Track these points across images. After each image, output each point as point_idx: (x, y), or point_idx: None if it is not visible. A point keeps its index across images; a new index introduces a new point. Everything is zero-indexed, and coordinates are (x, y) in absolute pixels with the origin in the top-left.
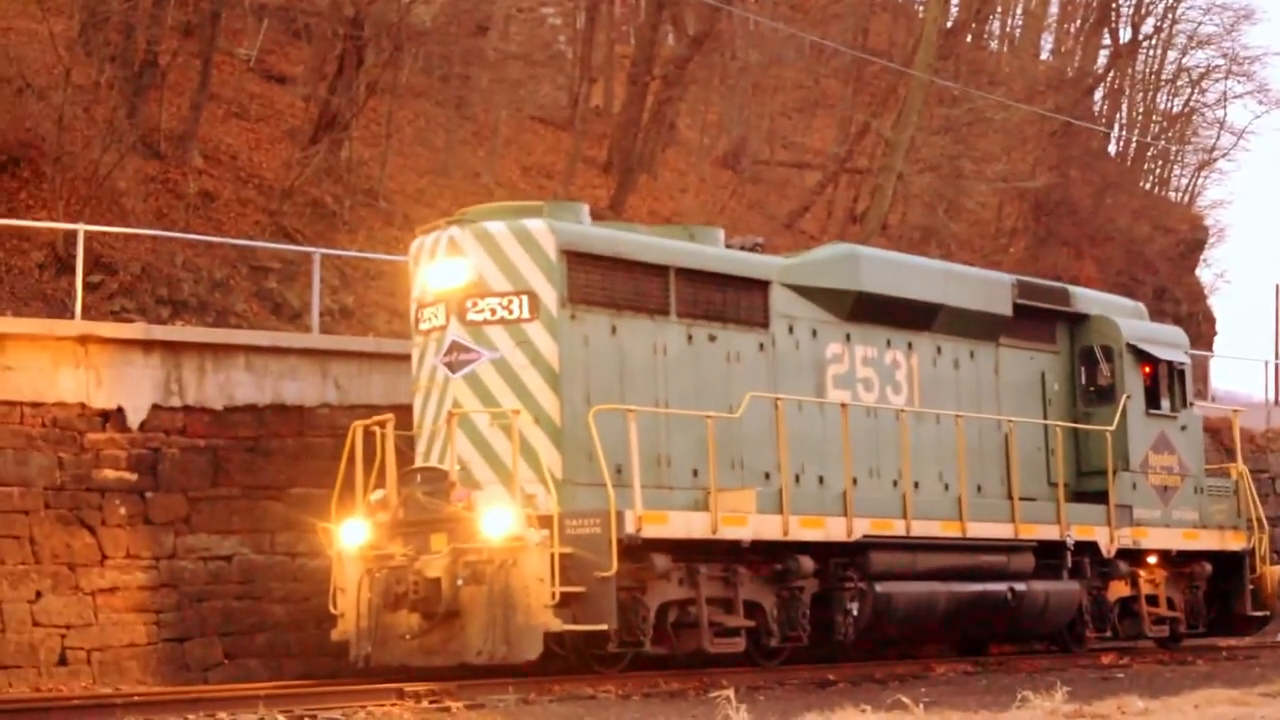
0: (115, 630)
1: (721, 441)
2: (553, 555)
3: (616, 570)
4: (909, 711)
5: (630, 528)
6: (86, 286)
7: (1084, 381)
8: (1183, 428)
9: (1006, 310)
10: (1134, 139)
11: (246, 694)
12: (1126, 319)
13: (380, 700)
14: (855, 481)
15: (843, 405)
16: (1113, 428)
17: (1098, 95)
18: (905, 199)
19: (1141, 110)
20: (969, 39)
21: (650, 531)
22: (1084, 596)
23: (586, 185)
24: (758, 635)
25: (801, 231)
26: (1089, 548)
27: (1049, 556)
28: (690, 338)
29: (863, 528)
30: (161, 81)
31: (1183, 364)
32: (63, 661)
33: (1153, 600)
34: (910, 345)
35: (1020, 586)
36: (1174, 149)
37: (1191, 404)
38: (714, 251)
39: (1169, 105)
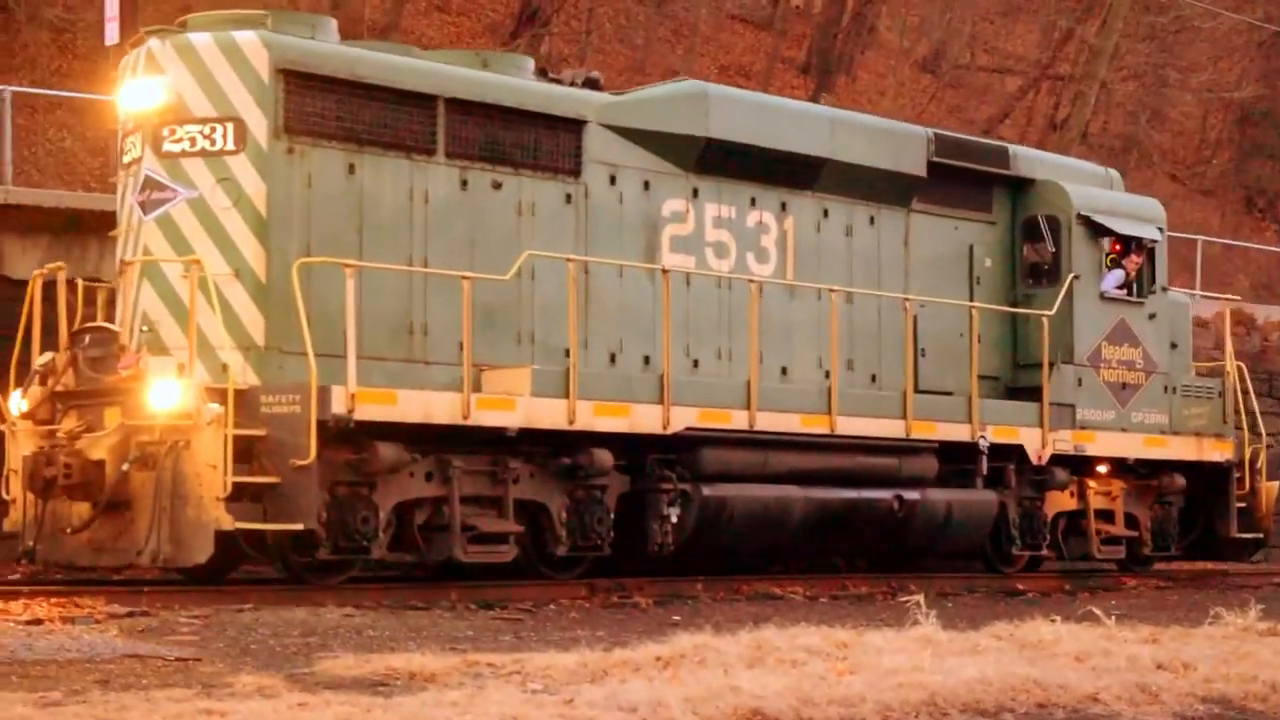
0: None
1: (499, 310)
2: (227, 436)
3: (318, 458)
4: (1100, 624)
5: (339, 407)
6: None
7: (1025, 258)
8: (1151, 316)
9: (919, 170)
10: None
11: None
12: (1080, 185)
13: (572, 594)
14: (696, 364)
15: (664, 271)
16: (1051, 312)
17: None
18: (1107, 107)
19: None
20: None
21: (369, 413)
22: (1011, 509)
23: (785, 86)
24: (543, 543)
25: (1001, 138)
26: (1016, 453)
27: (965, 462)
28: (465, 184)
29: (686, 419)
30: None
31: (1153, 241)
32: None
33: (1107, 516)
34: (784, 206)
35: (912, 495)
36: None
37: (1165, 288)
38: (501, 80)
39: None
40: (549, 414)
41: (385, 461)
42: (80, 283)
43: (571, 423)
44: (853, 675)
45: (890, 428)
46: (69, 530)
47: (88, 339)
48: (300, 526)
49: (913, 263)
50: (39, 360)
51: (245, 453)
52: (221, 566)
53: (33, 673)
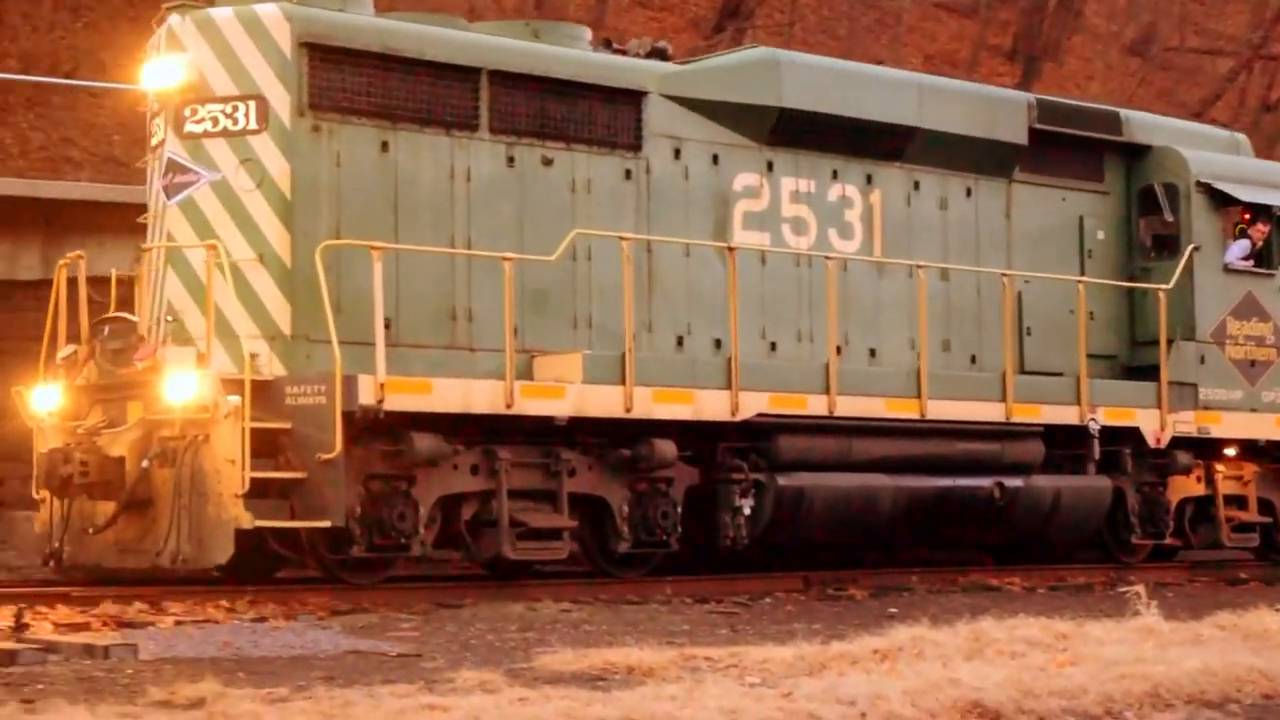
0: None
1: (552, 293)
2: (244, 430)
3: (350, 451)
4: None
5: (367, 397)
6: None
7: (1141, 229)
8: None
9: (1020, 138)
10: None
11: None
12: (1201, 151)
13: (787, 587)
14: (774, 347)
15: (730, 249)
16: (1169, 286)
17: None
18: None
19: None
20: None
21: (401, 404)
22: (1130, 496)
23: (991, 74)
24: (604, 539)
25: (1212, 121)
26: (1132, 436)
27: (1078, 446)
28: (512, 161)
29: (756, 404)
30: None
31: None
32: None
33: (1240, 502)
34: (870, 178)
35: (1014, 482)
36: None
37: None
38: (550, 51)
39: None
40: (602, 402)
41: (422, 453)
42: (114, 273)
43: (628, 410)
44: (1073, 666)
45: (988, 411)
46: (91, 531)
47: (107, 330)
48: (326, 523)
49: (1016, 236)
50: (61, 353)
51: (269, 447)
52: (265, 567)
53: (260, 669)
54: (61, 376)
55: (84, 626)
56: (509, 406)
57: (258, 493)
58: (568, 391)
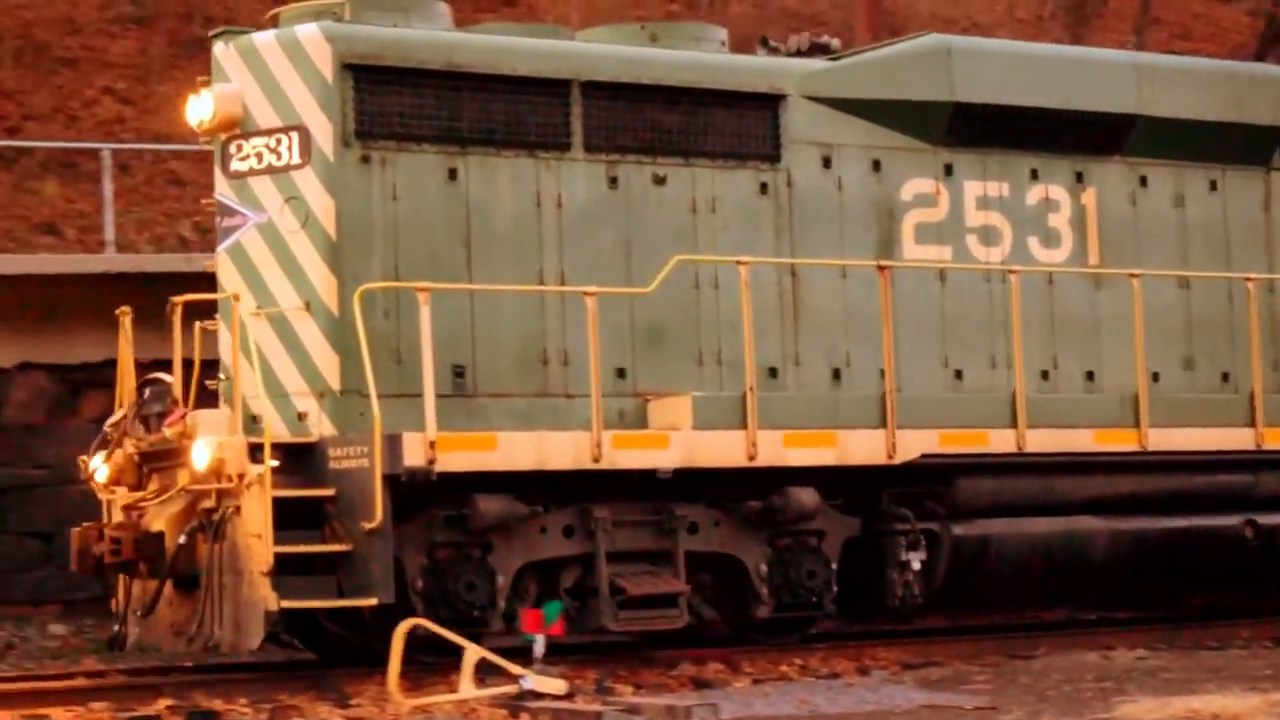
0: None
1: (669, 328)
2: (266, 500)
3: (386, 520)
4: None
5: (415, 458)
6: None
7: None
8: None
9: (1278, 119)
10: None
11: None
12: None
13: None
14: (959, 375)
15: (880, 268)
16: None
17: None
18: None
19: None
20: None
21: (457, 463)
22: None
23: None
24: (745, 603)
25: None
26: None
27: None
28: (614, 181)
29: (921, 444)
30: (1103, 8)
31: None
32: None
33: None
34: (1080, 176)
35: (1272, 519)
36: None
37: None
38: (659, 55)
39: None
40: (719, 449)
41: (488, 518)
42: (199, 326)
43: (752, 459)
44: None
45: (1231, 438)
46: (138, 613)
47: (147, 393)
48: (372, 601)
49: (1276, 235)
50: (110, 420)
51: (313, 517)
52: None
53: None
54: (112, 443)
55: (664, 688)
56: (596, 460)
57: (297, 568)
58: (673, 440)
